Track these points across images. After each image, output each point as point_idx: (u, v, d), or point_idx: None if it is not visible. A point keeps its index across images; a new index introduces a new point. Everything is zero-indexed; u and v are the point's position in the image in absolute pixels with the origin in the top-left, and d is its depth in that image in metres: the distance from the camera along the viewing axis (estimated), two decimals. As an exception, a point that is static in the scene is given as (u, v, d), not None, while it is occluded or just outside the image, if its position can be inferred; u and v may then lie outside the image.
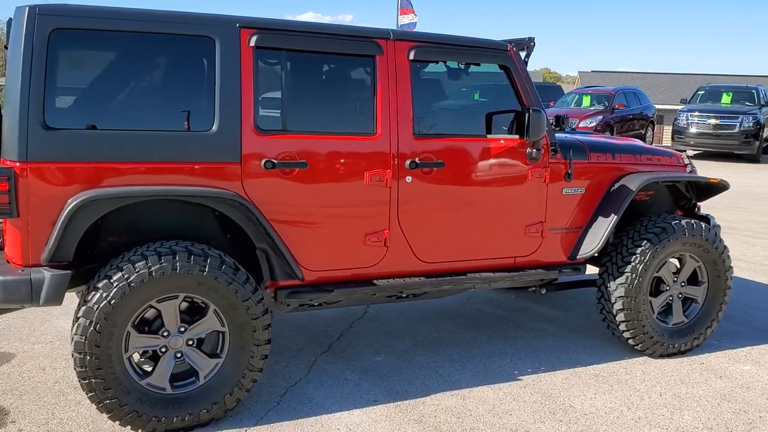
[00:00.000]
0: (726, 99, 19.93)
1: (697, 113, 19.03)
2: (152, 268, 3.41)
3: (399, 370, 4.48)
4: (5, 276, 3.34)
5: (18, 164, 3.31)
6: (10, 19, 3.50)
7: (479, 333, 5.18)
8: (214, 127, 3.61)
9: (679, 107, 20.45)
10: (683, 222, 4.70)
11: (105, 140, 3.45)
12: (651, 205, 5.16)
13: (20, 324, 5.12)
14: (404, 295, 4.39)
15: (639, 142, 5.34)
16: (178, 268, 3.44)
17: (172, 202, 3.68)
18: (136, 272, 3.39)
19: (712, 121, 18.65)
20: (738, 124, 18.43)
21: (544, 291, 4.88)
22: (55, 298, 3.37)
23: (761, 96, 19.83)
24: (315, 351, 4.74)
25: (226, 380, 3.67)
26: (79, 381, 3.43)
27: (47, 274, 3.34)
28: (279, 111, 3.79)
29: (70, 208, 3.30)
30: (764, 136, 19.18)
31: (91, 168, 3.42)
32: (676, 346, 4.80)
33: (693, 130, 18.88)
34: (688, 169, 5.16)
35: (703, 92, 20.65)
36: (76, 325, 3.38)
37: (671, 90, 25.93)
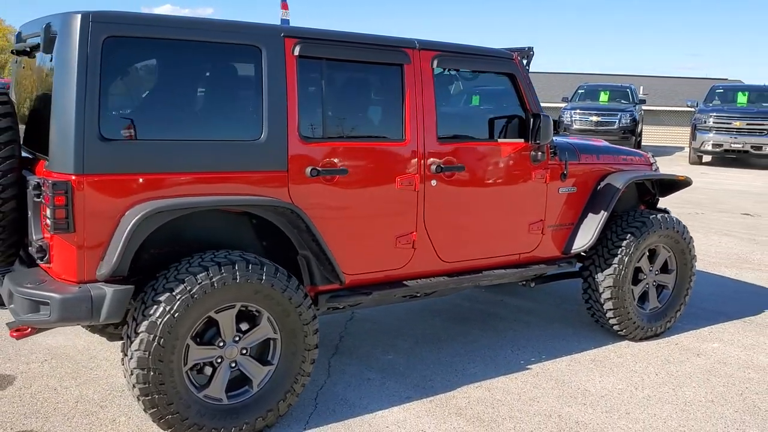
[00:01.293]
0: (604, 97, 21.34)
1: (579, 111, 20.26)
2: (214, 279, 3.38)
3: (414, 366, 4.64)
4: (63, 294, 3.21)
5: (74, 177, 3.19)
6: (48, 25, 3.35)
7: (470, 327, 5.42)
8: (263, 136, 3.63)
9: (561, 105, 21.69)
10: (659, 216, 5.16)
11: (159, 150, 3.39)
12: (620, 200, 5.59)
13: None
14: (418, 295, 4.55)
15: (604, 143, 5.76)
16: (238, 277, 3.44)
17: (213, 211, 3.66)
18: (199, 283, 3.35)
19: (594, 118, 19.92)
20: (617, 120, 19.82)
21: (533, 284, 5.19)
22: (117, 315, 3.28)
23: (634, 94, 21.44)
24: (324, 353, 4.80)
25: (279, 387, 3.69)
26: (140, 398, 3.35)
27: (109, 289, 3.24)
28: (320, 119, 3.84)
29: (135, 220, 3.22)
30: (638, 131, 20.73)
31: (147, 179, 3.35)
32: (653, 329, 5.25)
33: (576, 126, 20.05)
34: (654, 167, 5.64)
35: (582, 91, 22.00)
36: (137, 340, 3.30)
37: (548, 88, 27.42)
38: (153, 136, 3.40)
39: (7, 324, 3.58)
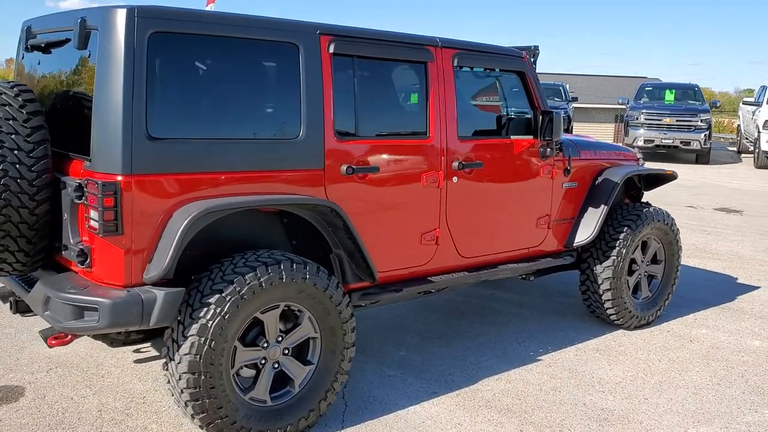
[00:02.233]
0: None
1: None
2: (262, 279, 3.34)
3: (430, 362, 4.68)
4: (113, 299, 3.10)
5: (122, 178, 3.08)
6: (84, 20, 3.22)
7: (471, 322, 5.50)
8: (301, 134, 3.60)
9: None
10: (651, 209, 5.38)
11: (204, 149, 3.32)
12: None
13: (-3, 354, 4.61)
14: (433, 291, 4.59)
15: (596, 139, 5.95)
16: (284, 276, 3.40)
17: (247, 211, 3.60)
18: (248, 284, 3.30)
19: None
20: None
21: (533, 278, 5.31)
22: (167, 318, 3.19)
23: (566, 92, 22.07)
24: (337, 352, 4.78)
25: (320, 386, 3.67)
26: (188, 404, 3.27)
27: (159, 293, 3.15)
28: (353, 117, 3.83)
29: (188, 220, 3.14)
30: (570, 128, 21.32)
31: (193, 179, 3.28)
32: (646, 318, 5.47)
33: None
34: (641, 162, 5.86)
35: None
36: (186, 344, 3.22)
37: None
38: (198, 135, 3.32)
39: (41, 332, 3.42)
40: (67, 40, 3.43)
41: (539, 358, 4.82)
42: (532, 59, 4.81)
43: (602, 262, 5.20)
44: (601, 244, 5.23)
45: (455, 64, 4.24)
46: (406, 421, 3.87)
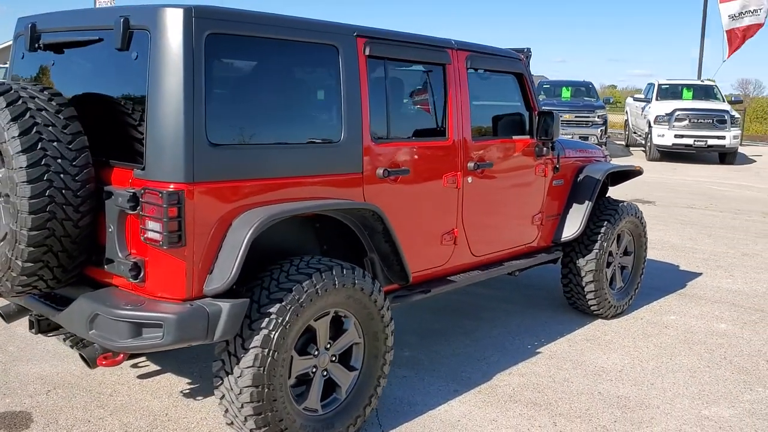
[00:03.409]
0: None
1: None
2: (317, 285, 3.27)
3: (438, 360, 4.73)
4: (178, 313, 2.94)
5: (185, 186, 2.94)
6: (126, 19, 3.04)
7: (459, 318, 5.59)
8: (342, 138, 3.55)
9: None
10: (625, 204, 5.66)
11: (259, 155, 3.22)
12: None
13: (-19, 378, 4.26)
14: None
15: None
16: (336, 282, 3.35)
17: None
18: (305, 291, 3.23)
19: None
20: None
21: (518, 273, 5.47)
22: (232, 331, 3.06)
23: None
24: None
25: (364, 391, 3.64)
26: (251, 418, 3.16)
27: (225, 305, 3.02)
28: (385, 119, 3.81)
29: (254, 228, 3.03)
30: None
31: (249, 185, 3.18)
32: (621, 307, 5.75)
33: None
34: (607, 159, 6.15)
35: None
36: (249, 356, 3.11)
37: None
38: (252, 140, 3.22)
39: (83, 353, 3.19)
40: (99, 40, 3.23)
41: (538, 350, 4.97)
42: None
43: (585, 255, 5.42)
44: (583, 239, 5.44)
45: (468, 66, 4.30)
46: (442, 421, 3.90)
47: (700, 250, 8.28)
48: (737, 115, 18.86)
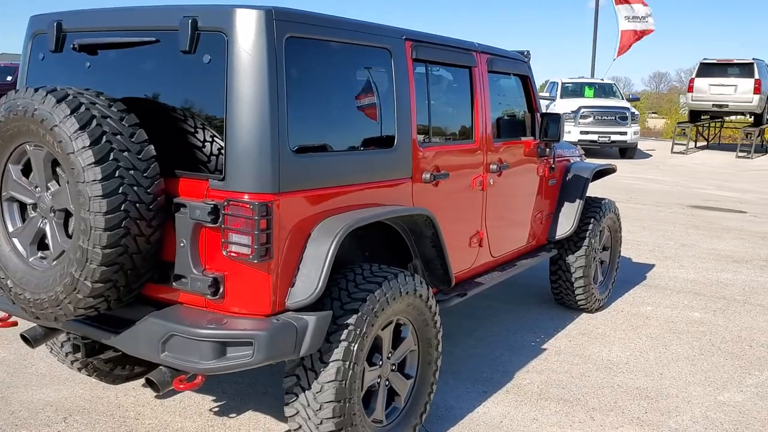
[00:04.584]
0: None
1: None
2: (387, 294, 3.21)
3: (454, 362, 4.72)
4: (267, 330, 2.80)
5: (272, 197, 2.81)
6: (194, 20, 2.86)
7: (457, 318, 5.58)
8: (396, 143, 3.50)
9: None
10: (606, 201, 5.88)
11: (332, 162, 3.13)
12: None
13: (-17, 409, 3.89)
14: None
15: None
16: (401, 290, 3.30)
17: None
18: (378, 300, 3.16)
19: None
20: None
21: None
22: (317, 345, 2.95)
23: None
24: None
25: (419, 399, 3.60)
26: (332, 433, 3.06)
27: (310, 318, 2.90)
28: (428, 123, 3.78)
29: (338, 238, 2.94)
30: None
31: (325, 193, 3.08)
32: (602, 299, 5.97)
33: None
34: (583, 158, 6.35)
35: None
36: (330, 370, 3.00)
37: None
38: (327, 147, 3.11)
39: (153, 377, 2.96)
40: (154, 41, 3.01)
41: (543, 347, 5.08)
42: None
43: (574, 252, 5.58)
44: (572, 236, 5.60)
45: (489, 68, 4.33)
46: (486, 423, 3.92)
47: (643, 242, 8.70)
48: (636, 112, 19.94)
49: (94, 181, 2.65)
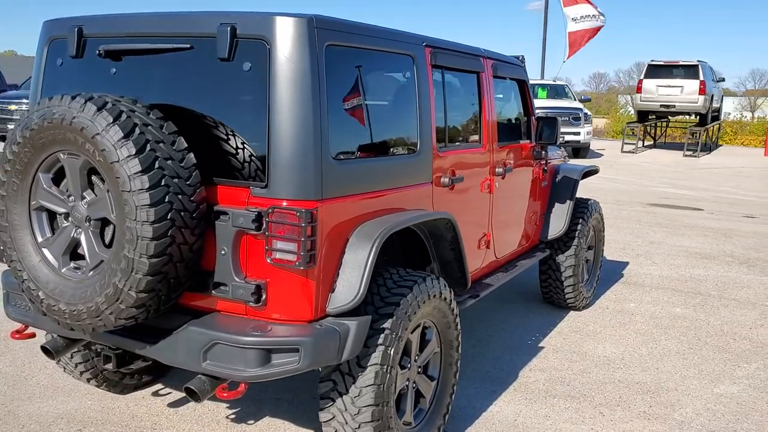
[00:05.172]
0: None
1: None
2: (417, 297, 3.26)
3: (456, 362, 4.81)
4: (312, 335, 2.82)
5: (317, 203, 2.82)
6: (233, 27, 2.85)
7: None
8: (419, 147, 3.55)
9: None
10: (592, 202, 6.04)
11: (366, 168, 3.17)
12: None
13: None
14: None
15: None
16: (429, 294, 3.35)
17: None
18: (410, 304, 3.21)
19: None
20: None
21: None
22: (357, 351, 2.98)
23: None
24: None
25: (442, 401, 3.65)
26: (369, 439, 3.09)
27: (352, 323, 2.93)
28: (444, 128, 3.84)
29: (377, 243, 2.98)
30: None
31: (360, 199, 3.11)
32: (588, 297, 6.13)
33: None
34: (566, 159, 6.50)
35: None
36: (368, 374, 3.03)
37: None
38: (361, 153, 3.15)
39: (192, 387, 2.93)
40: (187, 48, 2.99)
41: (540, 345, 5.20)
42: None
43: (564, 252, 5.72)
44: (562, 236, 5.74)
45: (494, 73, 4.42)
46: (501, 421, 4.00)
47: (612, 240, 8.94)
48: (589, 113, 20.41)
49: (141, 190, 2.62)
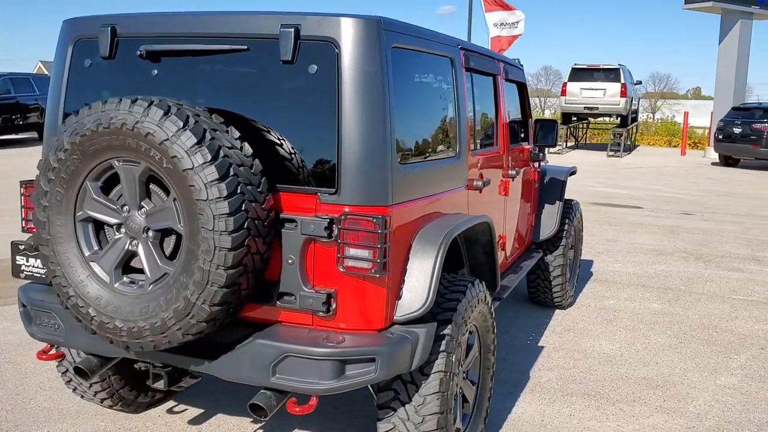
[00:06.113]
0: None
1: None
2: (470, 302, 3.24)
3: (465, 365, 4.82)
4: (387, 345, 2.75)
5: (388, 209, 2.76)
6: (296, 29, 2.75)
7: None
8: (457, 151, 3.53)
9: None
10: (575, 203, 6.17)
11: (423, 173, 3.13)
12: None
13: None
14: None
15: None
16: (477, 298, 3.34)
17: None
18: (464, 309, 3.18)
19: None
20: None
21: None
22: (425, 359, 2.92)
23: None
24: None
25: (482, 405, 3.64)
26: (433, 447, 3.04)
27: (421, 331, 2.88)
28: (474, 131, 3.83)
29: (444, 248, 2.94)
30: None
31: (419, 204, 3.07)
32: (572, 295, 6.26)
33: None
34: (547, 160, 6.60)
35: None
36: (432, 382, 2.98)
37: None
38: (419, 157, 3.10)
39: (259, 402, 2.80)
40: (243, 49, 2.87)
41: (540, 345, 5.27)
42: (517, 71, 5.20)
43: (552, 252, 5.82)
44: (551, 236, 5.84)
45: (506, 76, 4.45)
46: (529, 422, 4.02)
47: (571, 240, 9.16)
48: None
49: (219, 198, 2.49)
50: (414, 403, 3.00)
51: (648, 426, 4.01)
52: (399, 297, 2.90)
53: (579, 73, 22.71)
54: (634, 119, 25.39)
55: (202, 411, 4.01)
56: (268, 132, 2.84)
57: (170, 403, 4.08)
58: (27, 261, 3.28)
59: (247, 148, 2.68)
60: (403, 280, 2.92)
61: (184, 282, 2.57)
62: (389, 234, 2.74)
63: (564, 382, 4.56)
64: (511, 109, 4.82)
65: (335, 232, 2.72)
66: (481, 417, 3.59)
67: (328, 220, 2.71)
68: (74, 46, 3.20)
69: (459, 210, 3.55)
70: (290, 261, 2.78)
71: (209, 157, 2.49)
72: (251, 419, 3.92)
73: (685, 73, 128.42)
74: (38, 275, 3.27)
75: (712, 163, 21.12)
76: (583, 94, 22.50)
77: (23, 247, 3.29)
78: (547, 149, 6.52)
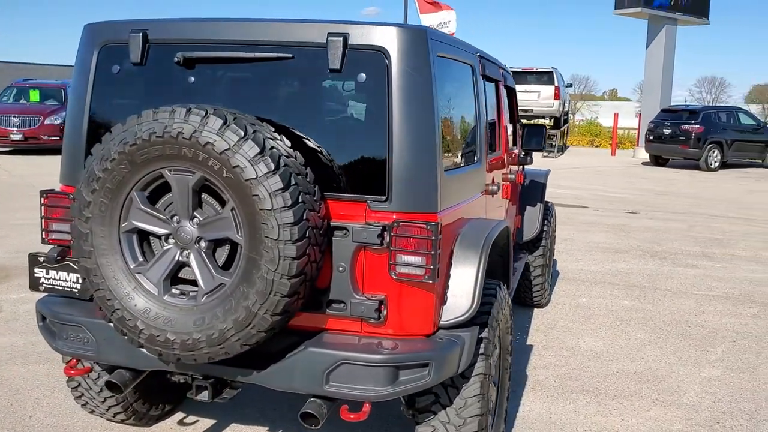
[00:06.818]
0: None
1: None
2: (501, 304, 3.32)
3: (462, 366, 4.90)
4: (439, 350, 2.80)
5: (437, 216, 2.81)
6: (344, 38, 2.77)
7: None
8: (477, 158, 3.60)
9: None
10: (550, 204, 6.34)
11: (460, 179, 3.20)
12: None
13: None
14: None
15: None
16: (503, 299, 3.42)
17: None
18: (496, 311, 3.26)
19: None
20: None
21: None
22: (469, 362, 2.98)
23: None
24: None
25: (501, 405, 3.71)
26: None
27: (466, 334, 2.94)
28: (486, 138, 3.91)
29: (486, 252, 3.02)
30: None
31: (457, 210, 3.13)
32: (549, 295, 6.44)
33: None
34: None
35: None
36: (473, 385, 3.04)
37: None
38: (456, 164, 3.17)
39: (310, 410, 2.78)
40: (287, 57, 2.86)
41: (528, 344, 5.40)
42: (504, 76, 5.31)
43: (533, 252, 5.97)
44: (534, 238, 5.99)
45: (504, 81, 4.55)
46: (538, 420, 4.13)
47: (530, 240, 9.39)
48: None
49: (283, 207, 2.48)
50: (455, 405, 3.05)
51: (650, 419, 4.18)
52: (444, 302, 2.94)
53: (514, 76, 23.18)
54: (566, 121, 26.14)
55: (214, 421, 3.95)
56: (314, 140, 2.84)
57: (180, 415, 4.01)
58: (47, 273, 3.18)
59: (300, 157, 2.68)
60: (447, 285, 2.96)
61: (245, 292, 2.55)
62: (440, 240, 2.78)
63: (561, 380, 4.70)
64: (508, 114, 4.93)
65: (387, 239, 2.74)
66: (501, 417, 3.67)
67: (380, 227, 2.73)
68: (100, 52, 3.11)
69: (480, 215, 3.62)
70: (341, 269, 2.79)
71: (272, 166, 2.48)
72: (266, 428, 3.89)
73: (602, 75, 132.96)
74: (59, 288, 3.17)
75: (643, 163, 21.98)
76: (518, 97, 23.01)
77: (42, 259, 3.17)
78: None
